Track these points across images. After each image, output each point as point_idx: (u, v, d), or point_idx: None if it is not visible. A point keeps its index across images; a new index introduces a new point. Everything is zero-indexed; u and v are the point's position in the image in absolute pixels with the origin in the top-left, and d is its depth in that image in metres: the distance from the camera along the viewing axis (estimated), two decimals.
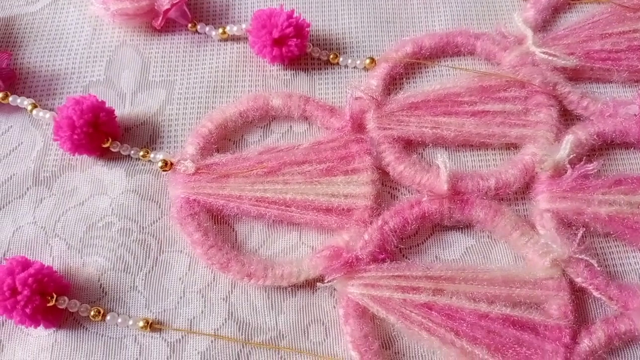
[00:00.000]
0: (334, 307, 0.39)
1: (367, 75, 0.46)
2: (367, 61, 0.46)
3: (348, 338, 0.38)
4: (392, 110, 0.44)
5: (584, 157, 0.43)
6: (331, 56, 0.47)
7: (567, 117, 0.45)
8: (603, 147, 0.45)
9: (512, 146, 0.44)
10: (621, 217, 0.41)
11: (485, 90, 0.45)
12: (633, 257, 0.42)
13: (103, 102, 0.42)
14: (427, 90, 0.45)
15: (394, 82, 0.46)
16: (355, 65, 0.47)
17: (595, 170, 0.42)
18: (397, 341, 0.39)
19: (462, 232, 0.42)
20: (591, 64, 0.46)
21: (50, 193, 0.42)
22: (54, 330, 0.39)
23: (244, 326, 0.39)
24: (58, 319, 0.38)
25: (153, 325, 0.38)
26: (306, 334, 0.39)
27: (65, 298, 0.38)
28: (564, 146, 0.42)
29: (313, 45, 0.47)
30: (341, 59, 0.47)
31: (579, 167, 0.42)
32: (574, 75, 0.46)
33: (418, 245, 0.42)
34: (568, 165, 0.42)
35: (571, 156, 0.42)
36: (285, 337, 0.39)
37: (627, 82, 0.47)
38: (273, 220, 0.41)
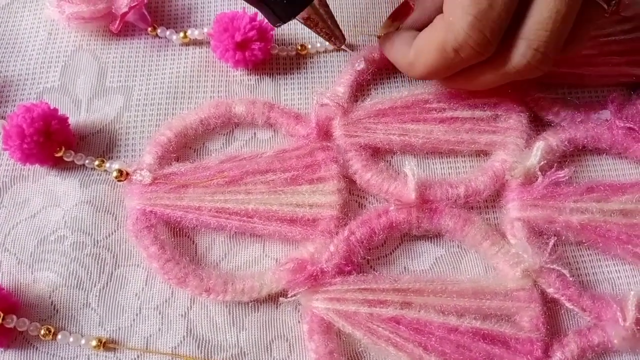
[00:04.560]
0: (299, 322, 0.38)
1: (334, 82, 0.45)
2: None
3: (313, 355, 0.36)
4: (359, 118, 0.42)
5: (555, 164, 0.42)
6: (298, 47, 0.45)
7: (537, 123, 0.44)
8: (574, 153, 0.44)
9: (482, 153, 0.43)
10: (593, 225, 0.40)
11: (454, 96, 0.44)
12: (605, 265, 0.41)
13: (55, 110, 0.40)
14: (395, 97, 0.43)
15: (361, 89, 0.45)
16: (325, 48, 0.46)
17: (567, 178, 0.41)
18: (364, 357, 0.37)
19: (431, 242, 0.41)
20: None
21: (0, 205, 0.40)
22: (2, 351, 0.36)
23: (204, 344, 0.37)
24: (6, 338, 0.36)
25: (107, 345, 0.36)
26: (269, 351, 0.37)
27: (14, 316, 0.36)
28: (535, 153, 0.41)
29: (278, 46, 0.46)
30: (309, 46, 0.46)
31: (550, 174, 0.41)
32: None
33: (386, 256, 0.40)
34: (539, 173, 0.41)
35: (542, 163, 0.41)
36: (247, 354, 0.37)
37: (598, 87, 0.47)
38: (235, 232, 0.39)
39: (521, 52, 0.36)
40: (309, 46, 0.46)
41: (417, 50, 0.39)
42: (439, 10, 0.39)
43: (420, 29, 0.41)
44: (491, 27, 0.35)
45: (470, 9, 0.35)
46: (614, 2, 0.38)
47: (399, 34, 0.42)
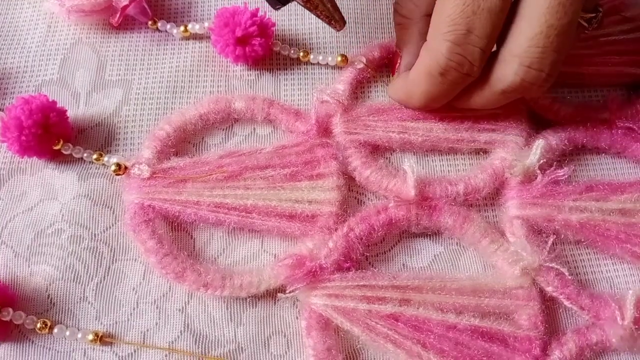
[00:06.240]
0: (297, 317, 0.38)
1: (334, 78, 0.45)
2: (339, 58, 0.45)
3: (310, 351, 0.36)
4: (359, 115, 0.42)
5: (555, 163, 0.42)
6: (301, 54, 0.45)
7: (537, 122, 0.44)
8: (574, 152, 0.44)
9: (482, 151, 0.43)
10: (592, 224, 0.40)
11: None
12: (604, 264, 0.41)
13: (54, 102, 0.40)
14: None
15: (361, 86, 0.45)
16: (327, 62, 0.45)
17: (566, 176, 0.41)
18: (362, 354, 0.37)
19: (430, 239, 0.41)
20: None
21: None
22: None
23: (201, 338, 0.37)
24: (2, 332, 0.36)
25: (103, 339, 0.36)
26: (267, 347, 0.37)
27: (10, 310, 0.36)
28: (534, 151, 0.41)
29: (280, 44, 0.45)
30: (312, 56, 0.45)
31: (549, 172, 0.41)
32: None
33: (385, 253, 0.40)
34: (538, 171, 0.41)
35: (541, 161, 0.41)
36: (245, 349, 0.37)
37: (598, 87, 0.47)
38: (233, 227, 0.39)
39: (514, 71, 0.36)
40: (311, 56, 0.45)
41: (410, 80, 0.40)
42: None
43: None
44: (472, 50, 0.35)
45: (448, 36, 0.35)
46: (595, 21, 0.38)
47: (397, 77, 0.42)
